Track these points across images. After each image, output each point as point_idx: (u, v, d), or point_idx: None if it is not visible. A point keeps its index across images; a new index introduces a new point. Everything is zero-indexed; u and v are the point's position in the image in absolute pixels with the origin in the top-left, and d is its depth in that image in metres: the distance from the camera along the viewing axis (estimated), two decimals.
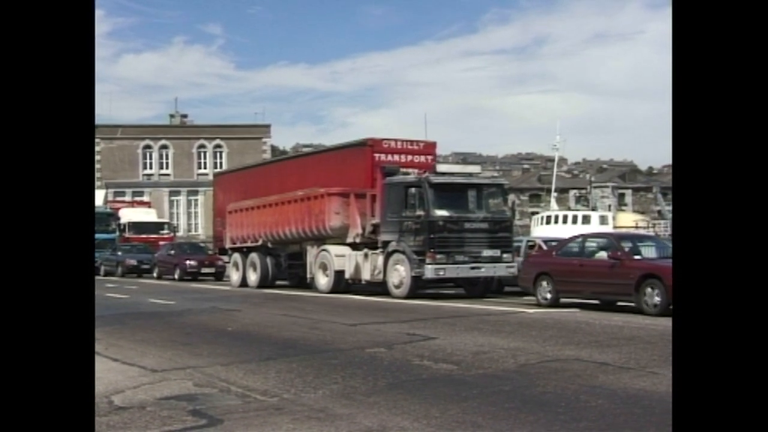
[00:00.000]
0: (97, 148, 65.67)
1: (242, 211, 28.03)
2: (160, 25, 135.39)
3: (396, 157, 24.02)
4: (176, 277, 32.82)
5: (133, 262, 37.56)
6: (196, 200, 68.61)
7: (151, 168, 68.13)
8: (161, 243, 43.69)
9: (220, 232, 35.56)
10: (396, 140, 24.91)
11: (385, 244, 21.44)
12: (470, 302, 18.63)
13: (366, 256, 22.07)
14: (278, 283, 27.06)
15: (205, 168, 68.65)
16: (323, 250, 23.58)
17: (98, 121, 65.30)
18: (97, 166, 65.08)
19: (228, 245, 28.85)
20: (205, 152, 68.92)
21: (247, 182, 33.24)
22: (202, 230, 66.15)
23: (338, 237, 23.23)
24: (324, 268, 23.50)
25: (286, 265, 26.67)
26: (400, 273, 20.69)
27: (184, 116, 74.65)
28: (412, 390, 7.98)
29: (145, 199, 60.88)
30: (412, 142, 24.98)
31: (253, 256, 26.92)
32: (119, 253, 39.40)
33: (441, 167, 22.34)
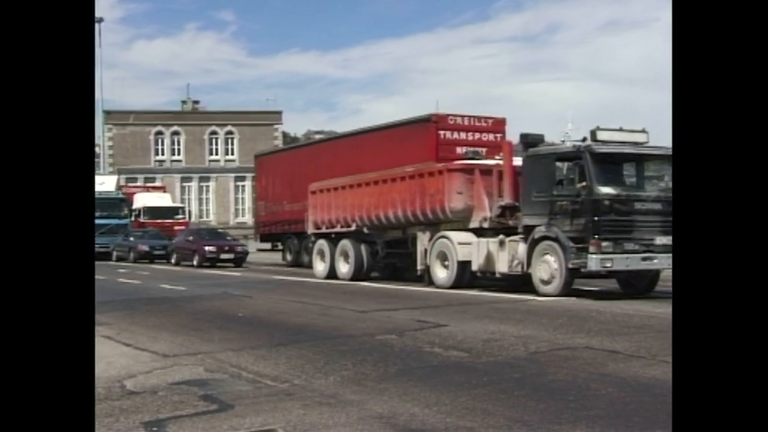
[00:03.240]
0: (109, 134, 65.89)
1: (330, 191, 24.30)
2: (172, 11, 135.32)
3: (462, 135, 22.77)
4: (195, 263, 32.15)
5: (145, 247, 37.25)
6: (207, 186, 68.74)
7: (162, 154, 68.28)
8: (177, 228, 43.54)
9: (262, 217, 35.41)
10: (462, 116, 23.32)
11: (528, 229, 17.26)
12: (480, 290, 18.59)
13: (502, 243, 17.92)
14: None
15: (216, 154, 68.80)
16: (442, 236, 19.66)
17: (110, 107, 65.62)
18: (109, 152, 65.31)
19: (311, 230, 25.34)
20: (216, 138, 69.01)
21: (293, 163, 32.40)
22: (213, 216, 66.34)
23: (459, 221, 19.59)
24: (443, 258, 19.55)
25: (383, 254, 22.76)
26: (550, 265, 16.56)
27: (196, 102, 74.73)
28: (423, 377, 8.00)
29: (158, 184, 60.84)
30: (479, 118, 23.38)
31: (345, 244, 23.07)
32: (131, 238, 39.14)
33: (602, 134, 16.91)
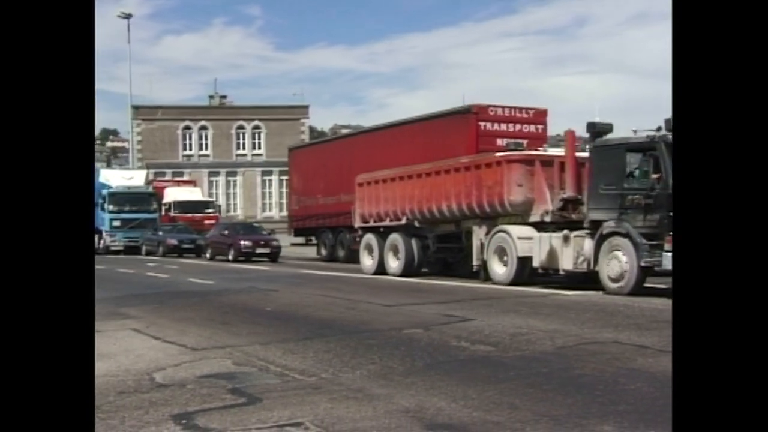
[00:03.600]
0: (137, 129, 66.41)
1: (378, 183, 23.25)
2: (200, 6, 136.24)
3: (503, 126, 22.26)
4: (230, 257, 31.85)
5: (174, 241, 37.35)
6: (234, 181, 69.05)
7: (190, 149, 68.64)
8: (207, 222, 43.64)
9: (295, 211, 35.19)
10: (503, 107, 22.80)
11: (595, 224, 16.26)
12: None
13: (566, 239, 16.85)
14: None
15: (243, 149, 69.09)
16: (501, 231, 18.68)
17: (139, 102, 66.12)
18: (137, 146, 65.84)
19: (358, 224, 24.34)
20: (243, 133, 69.29)
21: (327, 156, 32.15)
22: (240, 210, 66.64)
23: (518, 215, 18.75)
24: (501, 253, 18.61)
25: (435, 248, 21.85)
26: (620, 262, 15.60)
27: (224, 97, 75.10)
28: (450, 371, 7.99)
29: (188, 179, 60.98)
30: (521, 109, 22.87)
31: (395, 238, 22.15)
32: (160, 232, 39.28)
33: None
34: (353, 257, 28.38)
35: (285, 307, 14.37)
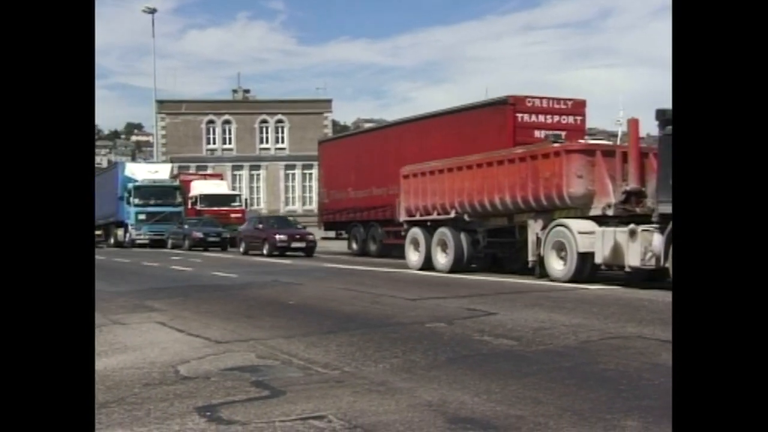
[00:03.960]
0: (161, 124, 66.82)
1: (425, 175, 22.39)
2: (223, 0, 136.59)
3: (541, 118, 21.83)
4: (265, 252, 31.10)
5: (200, 235, 37.21)
6: (258, 175, 69.29)
7: (214, 143, 68.98)
8: (233, 216, 43.63)
9: (326, 204, 34.79)
10: (541, 98, 22.34)
11: (665, 218, 14.93)
12: (531, 278, 18.45)
13: (633, 234, 15.79)
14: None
15: (267, 143, 69.31)
16: (559, 225, 17.65)
17: (163, 96, 66.45)
18: (161, 141, 66.27)
19: (403, 217, 23.40)
20: (267, 127, 69.50)
21: (358, 149, 31.80)
22: (263, 204, 66.85)
23: (577, 208, 17.75)
24: (560, 248, 17.62)
25: (485, 243, 21.02)
26: None
27: (247, 91, 75.43)
28: (473, 365, 7.99)
29: (215, 172, 61.03)
30: (558, 100, 22.43)
31: (444, 233, 21.28)
32: (186, 226, 39.21)
33: None
34: (386, 252, 28.23)
35: (308, 301, 14.41)
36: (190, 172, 57.20)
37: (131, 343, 9.90)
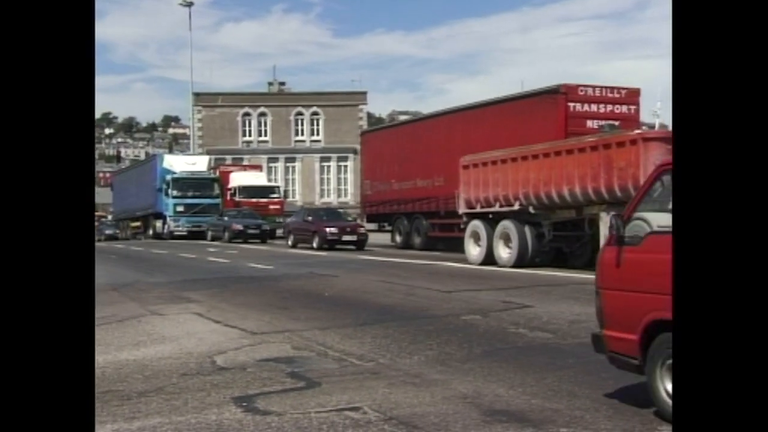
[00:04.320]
0: (198, 116, 67.19)
1: (486, 166, 21.24)
2: None
3: (594, 107, 21.22)
4: (314, 245, 29.75)
5: (239, 227, 36.88)
6: (293, 167, 69.50)
7: (249, 135, 69.25)
8: (271, 207, 43.54)
9: (368, 196, 33.92)
10: (594, 87, 21.72)
11: None
12: (567, 270, 18.31)
13: None
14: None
15: (302, 135, 69.45)
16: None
17: (200, 89, 66.95)
18: (198, 133, 66.66)
19: (462, 209, 22.21)
20: (302, 119, 69.66)
21: (402, 140, 31.14)
22: (299, 196, 67.08)
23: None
24: None
25: (550, 237, 19.95)
26: None
27: (282, 84, 75.69)
28: (508, 357, 7.98)
29: (254, 163, 60.73)
30: (612, 89, 21.73)
31: (507, 225, 20.10)
32: (225, 218, 38.93)
33: None
34: (430, 245, 27.87)
35: (344, 293, 14.46)
36: (229, 163, 57.07)
37: (169, 334, 10.02)
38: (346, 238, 29.88)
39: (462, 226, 22.59)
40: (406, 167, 29.94)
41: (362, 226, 31.43)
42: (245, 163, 61.30)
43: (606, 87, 21.75)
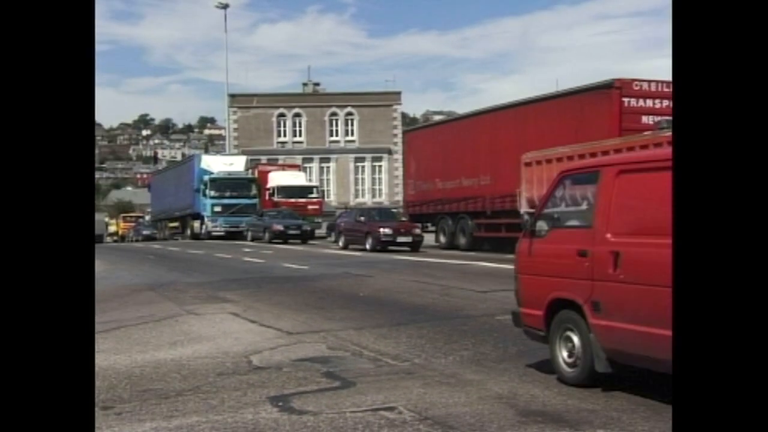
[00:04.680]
0: (233, 117, 67.60)
1: (551, 162, 20.70)
2: None
3: (649, 102, 20.63)
4: (367, 247, 28.74)
5: (280, 227, 36.48)
6: (328, 167, 69.70)
7: (284, 135, 69.55)
8: (310, 207, 43.32)
9: (411, 196, 33.15)
10: (650, 81, 21.08)
11: None
12: None
13: None
14: None
15: (336, 135, 69.62)
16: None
17: (235, 90, 67.37)
18: (233, 134, 67.05)
19: (525, 209, 21.32)
20: (336, 120, 69.83)
21: (446, 139, 30.41)
22: (334, 197, 67.25)
23: None
24: None
25: None
26: None
27: (317, 84, 75.93)
28: (543, 358, 7.91)
29: (293, 163, 60.50)
30: (668, 83, 20.46)
31: None
32: (266, 218, 38.58)
33: None
34: (476, 245, 27.28)
35: (378, 293, 14.46)
36: (268, 162, 56.74)
37: (205, 333, 10.10)
38: (401, 239, 28.56)
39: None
40: (451, 166, 29.21)
41: (417, 227, 29.82)
42: (280, 163, 61.33)
43: (662, 81, 21.05)
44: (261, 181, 45.54)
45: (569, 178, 7.46)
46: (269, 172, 48.17)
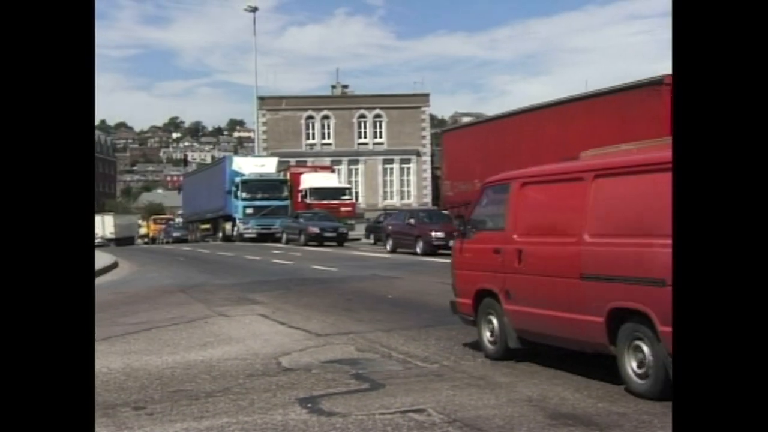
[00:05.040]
0: (262, 119, 67.80)
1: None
2: None
3: None
4: (418, 250, 27.28)
5: (316, 230, 36.08)
6: (356, 169, 69.74)
7: (313, 138, 69.68)
8: (343, 209, 42.85)
9: (450, 198, 32.23)
10: None
11: None
12: None
13: None
14: None
15: (365, 138, 69.64)
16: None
17: (264, 93, 67.52)
18: (262, 136, 67.27)
19: None
20: (365, 122, 69.84)
21: (487, 138, 29.68)
22: (362, 199, 67.30)
23: None
24: None
25: None
26: None
27: (345, 87, 75.99)
28: (573, 360, 7.85)
29: (326, 164, 60.22)
30: None
31: None
32: (301, 220, 38.07)
33: None
34: None
35: (407, 295, 14.44)
36: (300, 164, 56.14)
37: (235, 335, 10.14)
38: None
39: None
40: (493, 166, 27.13)
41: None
42: (312, 164, 61.26)
43: None
44: (293, 182, 45.21)
45: (490, 189, 8.90)
46: (301, 173, 47.82)
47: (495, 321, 8.21)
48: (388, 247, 30.16)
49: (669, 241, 4.05)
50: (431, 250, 26.69)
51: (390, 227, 30.88)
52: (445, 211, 28.17)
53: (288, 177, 46.09)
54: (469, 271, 8.81)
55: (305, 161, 64.24)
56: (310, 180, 45.96)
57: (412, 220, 29.30)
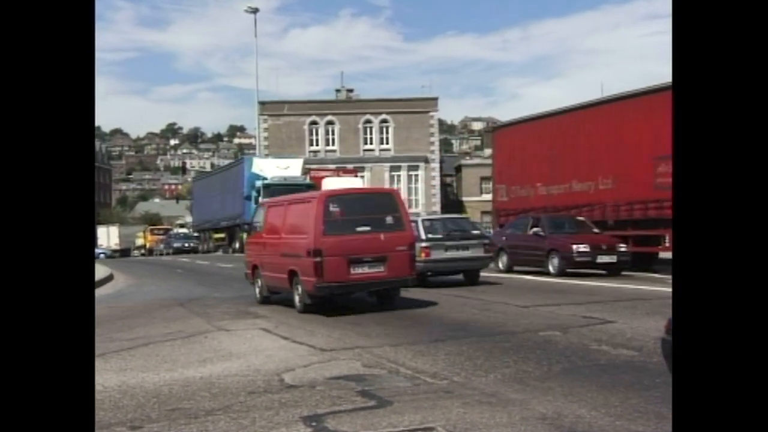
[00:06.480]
0: (264, 125, 67.21)
1: None
2: None
3: None
4: (551, 269, 21.00)
5: None
6: (362, 176, 69.59)
7: (317, 144, 69.23)
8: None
9: (503, 203, 28.21)
10: None
11: None
12: (653, 284, 17.79)
13: None
14: None
15: (371, 143, 69.33)
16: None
17: (265, 97, 67.24)
18: (264, 143, 66.73)
19: None
20: (371, 127, 69.50)
21: (550, 135, 25.86)
22: None
23: None
24: None
25: None
26: None
27: (350, 91, 75.23)
28: (589, 376, 7.65)
29: (349, 168, 57.76)
30: None
31: None
32: None
33: None
34: None
35: (415, 308, 14.23)
36: (322, 168, 53.40)
37: (236, 350, 9.94)
38: (603, 259, 20.53)
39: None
40: (559, 167, 25.19)
41: (619, 241, 21.24)
42: (334, 168, 60.08)
43: None
44: (317, 187, 43.65)
45: (266, 205, 16.80)
46: (323, 177, 46.12)
47: (260, 281, 15.89)
48: (501, 266, 23.21)
49: (305, 235, 13.73)
50: (571, 267, 20.62)
51: (503, 239, 23.73)
52: (581, 217, 23.56)
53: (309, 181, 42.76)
54: (250, 256, 16.87)
55: (308, 169, 63.88)
56: (332, 184, 44.10)
57: (538, 229, 22.30)
